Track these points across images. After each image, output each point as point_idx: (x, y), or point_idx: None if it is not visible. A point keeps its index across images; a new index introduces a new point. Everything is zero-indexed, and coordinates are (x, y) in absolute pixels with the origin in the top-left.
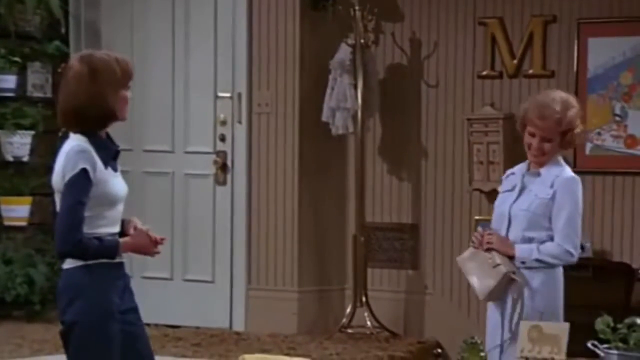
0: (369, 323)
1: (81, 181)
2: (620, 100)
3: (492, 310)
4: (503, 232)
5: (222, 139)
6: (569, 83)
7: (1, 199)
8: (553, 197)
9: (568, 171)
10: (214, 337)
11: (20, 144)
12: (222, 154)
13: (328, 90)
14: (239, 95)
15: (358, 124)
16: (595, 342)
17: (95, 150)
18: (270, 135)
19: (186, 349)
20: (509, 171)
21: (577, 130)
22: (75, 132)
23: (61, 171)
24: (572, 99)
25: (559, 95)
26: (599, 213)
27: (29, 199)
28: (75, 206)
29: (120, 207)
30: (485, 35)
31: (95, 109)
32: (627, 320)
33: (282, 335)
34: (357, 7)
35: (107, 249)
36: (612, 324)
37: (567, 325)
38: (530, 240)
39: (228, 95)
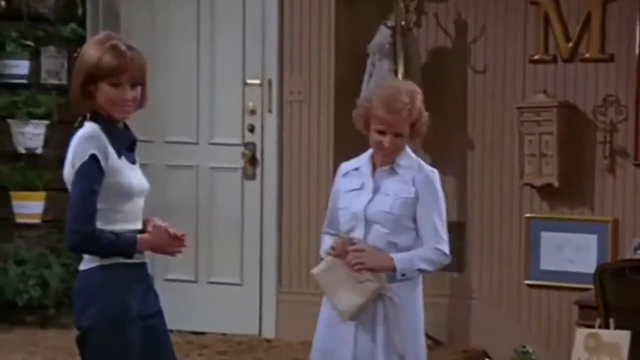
0: None
1: (91, 168)
2: None
3: (338, 324)
4: (359, 235)
5: (251, 129)
6: (630, 68)
7: (13, 195)
8: (416, 196)
9: (424, 165)
10: (242, 344)
11: (33, 135)
12: (250, 146)
13: (365, 77)
14: (269, 82)
15: None
16: None
17: (108, 138)
18: (303, 126)
19: (212, 357)
20: (347, 166)
21: (425, 118)
22: (89, 119)
23: (71, 160)
24: (415, 86)
25: (402, 85)
26: None
27: (43, 194)
28: (87, 195)
29: (139, 202)
30: (538, 16)
31: (73, 95)
32: None
33: None
34: None
35: (123, 245)
36: None
37: (628, 333)
38: (395, 245)
39: (257, 82)
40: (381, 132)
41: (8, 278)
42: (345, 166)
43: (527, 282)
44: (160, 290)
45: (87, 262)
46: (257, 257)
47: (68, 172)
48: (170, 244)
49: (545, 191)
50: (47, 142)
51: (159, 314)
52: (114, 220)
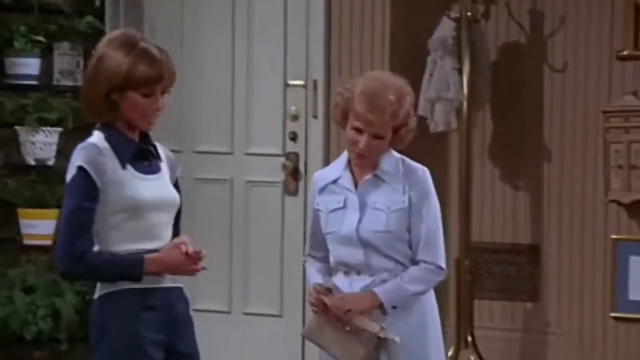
0: None
1: (79, 182)
2: None
3: None
4: (360, 259)
5: (293, 137)
6: None
7: (21, 212)
8: (410, 203)
9: (411, 163)
10: None
11: (44, 144)
12: (292, 157)
13: (425, 77)
14: (315, 83)
15: (463, 118)
16: None
17: (110, 146)
18: None
19: None
20: (322, 178)
21: (412, 124)
22: (98, 127)
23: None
24: (405, 84)
25: (391, 80)
26: None
27: (55, 212)
28: (75, 212)
29: (154, 217)
30: (627, 6)
31: (91, 105)
32: None
33: None
34: None
35: (124, 266)
36: None
37: None
38: (399, 261)
39: (301, 83)
40: (358, 130)
41: (14, 308)
42: (320, 178)
43: (613, 314)
44: None
45: (96, 290)
46: (299, 285)
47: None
48: (185, 262)
49: (635, 209)
50: (60, 153)
51: (192, 355)
52: (117, 239)
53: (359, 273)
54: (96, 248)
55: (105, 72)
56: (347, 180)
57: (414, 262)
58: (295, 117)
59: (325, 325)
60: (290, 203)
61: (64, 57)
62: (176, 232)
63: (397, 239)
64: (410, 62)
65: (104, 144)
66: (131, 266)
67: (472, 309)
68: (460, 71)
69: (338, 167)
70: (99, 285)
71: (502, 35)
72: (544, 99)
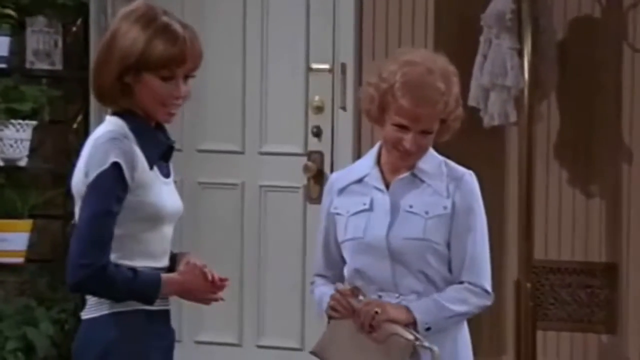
0: None
1: (112, 181)
2: None
3: None
4: (386, 273)
5: (317, 133)
6: None
7: None
8: (453, 210)
9: (455, 165)
10: None
11: (15, 141)
12: (316, 156)
13: (478, 60)
14: (343, 67)
15: (524, 110)
16: None
17: (137, 140)
18: None
19: None
20: (342, 178)
21: (460, 110)
22: (112, 113)
23: (85, 167)
24: (448, 63)
25: (433, 62)
26: None
27: (28, 222)
28: (101, 217)
29: (167, 230)
30: None
31: (101, 88)
32: None
33: None
34: None
35: (144, 286)
36: None
37: None
38: (432, 281)
39: (326, 67)
40: (402, 127)
41: None
42: (340, 178)
43: None
44: (191, 356)
45: (94, 308)
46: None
47: (79, 182)
48: (207, 289)
49: None
50: (34, 151)
51: None
52: (132, 252)
53: (381, 290)
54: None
55: (118, 49)
56: (375, 178)
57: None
58: (319, 109)
59: (343, 338)
60: (313, 212)
61: (39, 36)
62: None
63: (433, 252)
64: (459, 41)
65: (130, 136)
66: (148, 286)
67: (535, 342)
68: (520, 53)
69: (364, 165)
70: (93, 302)
71: (571, 8)
72: (622, 86)
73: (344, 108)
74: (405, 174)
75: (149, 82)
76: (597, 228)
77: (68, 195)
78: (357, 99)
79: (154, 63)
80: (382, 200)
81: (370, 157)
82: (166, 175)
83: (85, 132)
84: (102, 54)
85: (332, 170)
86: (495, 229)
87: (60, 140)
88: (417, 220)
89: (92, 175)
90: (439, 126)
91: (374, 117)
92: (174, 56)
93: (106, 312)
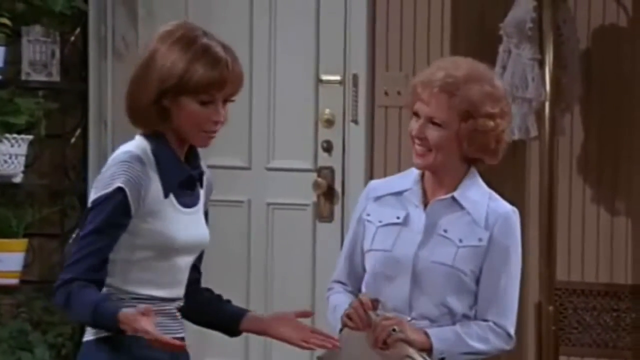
0: None
1: (110, 205)
2: None
3: None
4: (404, 293)
5: (328, 148)
6: None
7: None
8: (489, 244)
9: (500, 200)
10: None
11: (9, 156)
12: (326, 172)
13: (497, 69)
14: (355, 78)
15: (545, 123)
16: None
17: (156, 165)
18: (404, 142)
19: None
20: (381, 187)
21: (488, 123)
22: (141, 132)
23: (95, 184)
24: (488, 70)
25: (466, 61)
26: None
27: (23, 242)
28: (93, 236)
29: (180, 261)
30: None
31: (137, 111)
32: None
33: None
34: None
35: (99, 313)
36: None
37: None
38: (449, 311)
39: (337, 78)
40: (415, 114)
41: None
42: (378, 187)
43: None
44: None
45: (91, 331)
46: (336, 336)
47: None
48: (144, 323)
49: None
50: (30, 167)
51: None
52: (138, 279)
53: (393, 310)
54: (109, 280)
55: (157, 72)
56: (416, 194)
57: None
58: (329, 122)
59: (354, 349)
60: (323, 231)
61: (35, 45)
62: (197, 273)
63: (458, 282)
64: (477, 51)
65: (150, 159)
66: (104, 315)
67: None
68: (541, 63)
69: (406, 179)
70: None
71: (595, 16)
72: None
73: (355, 121)
74: (446, 196)
75: (187, 106)
76: (623, 248)
77: (65, 213)
78: (369, 111)
79: (194, 87)
80: (418, 217)
81: (413, 173)
82: (189, 204)
83: (83, 147)
84: (138, 76)
85: (343, 187)
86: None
87: (57, 156)
88: (449, 246)
89: (94, 196)
90: (458, 128)
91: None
92: (214, 80)
93: (103, 334)
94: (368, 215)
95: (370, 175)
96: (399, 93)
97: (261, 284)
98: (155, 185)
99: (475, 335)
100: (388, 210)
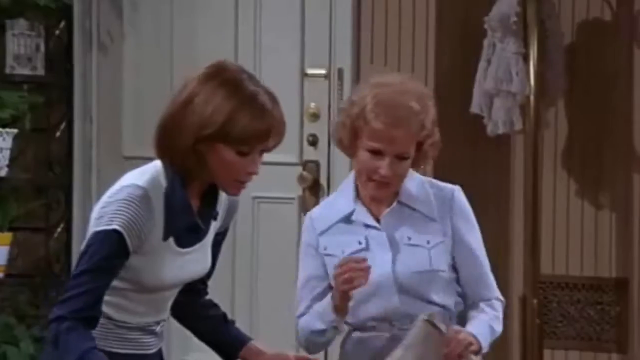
0: None
1: (106, 246)
2: None
3: None
4: (395, 307)
5: (313, 142)
6: None
7: None
8: (454, 235)
9: (438, 183)
10: None
11: None
12: (312, 166)
13: (481, 64)
14: (340, 72)
15: (530, 118)
16: None
17: (165, 204)
18: None
19: None
20: (324, 216)
21: (437, 135)
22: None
23: (99, 208)
24: (424, 87)
25: (406, 84)
26: None
27: (8, 236)
28: (86, 274)
29: (167, 293)
30: None
31: (172, 151)
32: None
33: None
34: None
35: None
36: None
37: None
38: (434, 303)
39: (322, 72)
40: (376, 153)
41: None
42: (320, 218)
43: None
44: None
45: None
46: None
47: (91, 219)
48: None
49: None
50: (14, 161)
51: None
52: (118, 305)
53: (390, 324)
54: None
55: (197, 116)
56: (363, 214)
57: (468, 304)
58: (315, 116)
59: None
60: None
61: (20, 39)
62: (201, 284)
63: (439, 280)
64: (462, 45)
65: (160, 201)
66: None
67: None
68: (525, 57)
69: (343, 199)
70: None
71: (580, 10)
72: (634, 92)
73: None
74: (393, 206)
75: (223, 154)
76: (607, 241)
77: (50, 207)
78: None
79: (235, 138)
80: (378, 236)
81: (347, 191)
82: (191, 243)
83: (68, 141)
84: (176, 115)
85: (328, 181)
86: (500, 241)
87: (42, 150)
88: (421, 251)
89: (93, 230)
90: (415, 153)
91: (346, 145)
92: (258, 133)
93: None
94: (325, 249)
95: None
96: None
97: (246, 277)
98: (157, 229)
99: (495, 318)
100: (345, 238)
